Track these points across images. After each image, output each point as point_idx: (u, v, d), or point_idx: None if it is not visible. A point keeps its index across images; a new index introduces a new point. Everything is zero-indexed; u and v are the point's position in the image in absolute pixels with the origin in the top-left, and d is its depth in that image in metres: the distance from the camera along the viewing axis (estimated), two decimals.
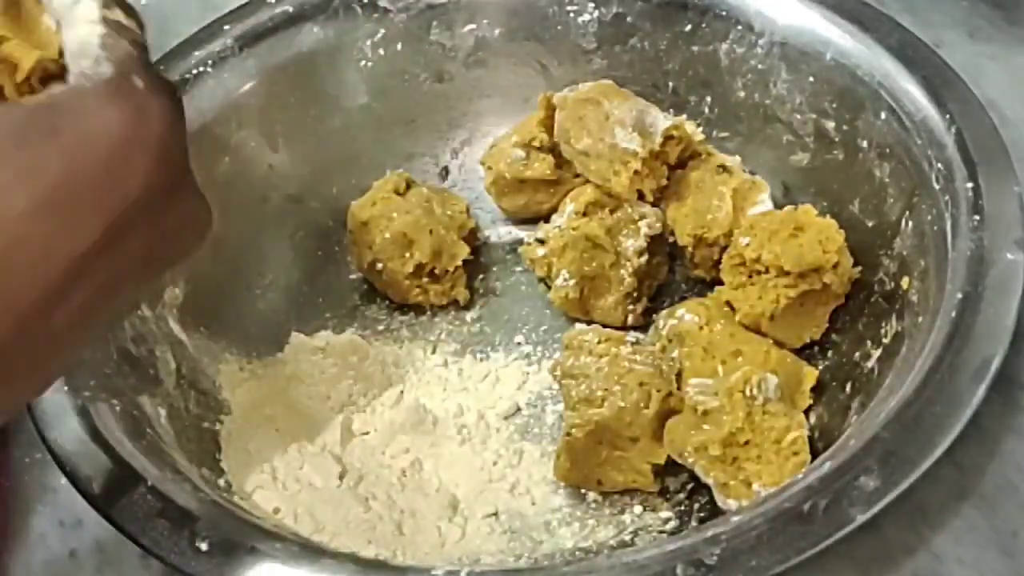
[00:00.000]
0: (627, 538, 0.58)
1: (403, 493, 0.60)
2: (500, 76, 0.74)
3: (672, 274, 0.69)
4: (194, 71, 0.68)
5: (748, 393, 0.57)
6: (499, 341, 0.68)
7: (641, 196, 0.66)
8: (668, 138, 0.66)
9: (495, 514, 0.59)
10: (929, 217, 0.59)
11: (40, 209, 0.40)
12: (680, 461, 0.58)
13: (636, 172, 0.65)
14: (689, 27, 0.71)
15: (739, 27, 0.69)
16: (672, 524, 0.58)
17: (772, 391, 0.57)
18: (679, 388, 0.59)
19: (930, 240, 0.58)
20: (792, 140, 0.68)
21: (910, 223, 0.60)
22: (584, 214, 0.67)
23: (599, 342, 0.60)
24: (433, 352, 0.67)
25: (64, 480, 0.53)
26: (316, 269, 0.71)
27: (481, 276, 0.71)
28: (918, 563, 0.51)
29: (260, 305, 0.68)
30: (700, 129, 0.69)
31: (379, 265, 0.68)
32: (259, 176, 0.70)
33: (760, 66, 0.69)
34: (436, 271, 0.68)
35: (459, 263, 0.68)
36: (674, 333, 0.62)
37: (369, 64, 0.73)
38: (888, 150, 0.62)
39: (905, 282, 0.59)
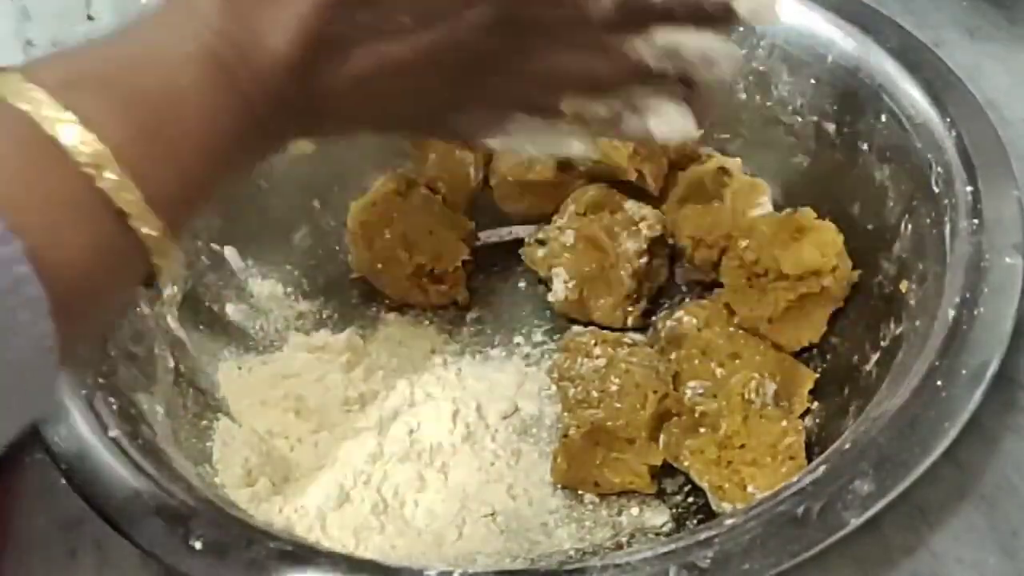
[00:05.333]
0: (624, 540, 0.58)
1: (399, 493, 0.60)
2: None
3: (672, 276, 0.69)
4: None
5: (746, 396, 0.57)
6: (498, 341, 0.68)
7: (642, 181, 0.66)
8: None
9: (492, 514, 0.59)
10: (928, 220, 0.59)
11: None
12: (676, 464, 0.58)
13: (636, 148, 0.65)
14: None
15: (740, 28, 0.69)
16: (669, 526, 0.58)
17: (770, 395, 0.58)
18: (676, 390, 0.59)
19: (929, 243, 0.58)
20: (793, 142, 0.68)
21: (909, 226, 0.60)
22: (585, 215, 0.67)
23: (596, 344, 0.61)
24: (432, 352, 0.67)
25: (64, 480, 0.53)
26: (316, 269, 0.71)
27: (481, 276, 0.71)
28: (918, 563, 0.51)
29: (259, 304, 0.69)
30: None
31: (379, 265, 0.68)
32: (260, 175, 0.70)
33: (761, 68, 0.69)
34: (436, 271, 0.68)
35: (459, 264, 0.68)
36: (672, 335, 0.62)
37: None
38: (888, 153, 0.62)
39: (904, 285, 0.59)
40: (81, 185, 0.37)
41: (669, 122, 0.46)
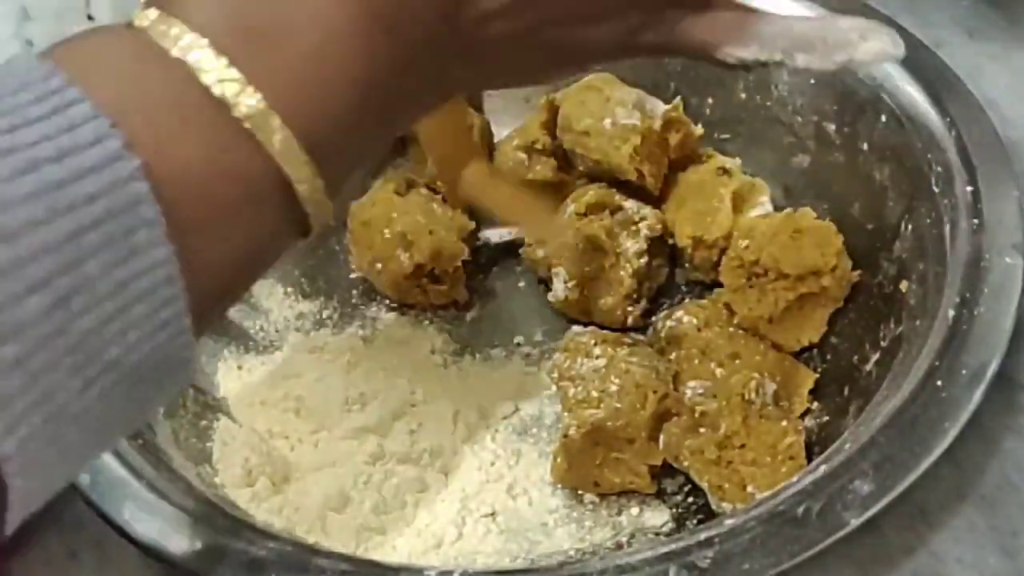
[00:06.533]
0: (624, 540, 0.58)
1: (400, 493, 0.60)
2: None
3: (672, 276, 0.69)
4: None
5: (746, 397, 0.57)
6: (498, 341, 0.68)
7: (642, 181, 0.66)
8: (668, 123, 0.66)
9: (492, 514, 0.59)
10: (928, 220, 0.59)
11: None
12: (675, 464, 0.58)
13: (636, 148, 0.65)
14: None
15: None
16: (669, 526, 0.58)
17: (770, 396, 0.58)
18: (676, 390, 0.59)
19: (929, 243, 0.58)
20: (793, 142, 0.68)
21: (909, 226, 0.60)
22: (584, 215, 0.67)
23: (596, 344, 0.60)
24: (432, 352, 0.67)
25: None
26: (316, 269, 0.71)
27: (481, 276, 0.71)
28: (918, 563, 0.51)
29: (259, 304, 0.69)
30: (700, 128, 0.69)
31: (379, 265, 0.68)
32: None
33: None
34: (436, 271, 0.68)
35: (459, 264, 0.68)
36: (672, 335, 0.62)
37: None
38: (888, 153, 0.62)
39: (904, 285, 0.59)
40: (194, 92, 0.35)
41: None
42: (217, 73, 0.35)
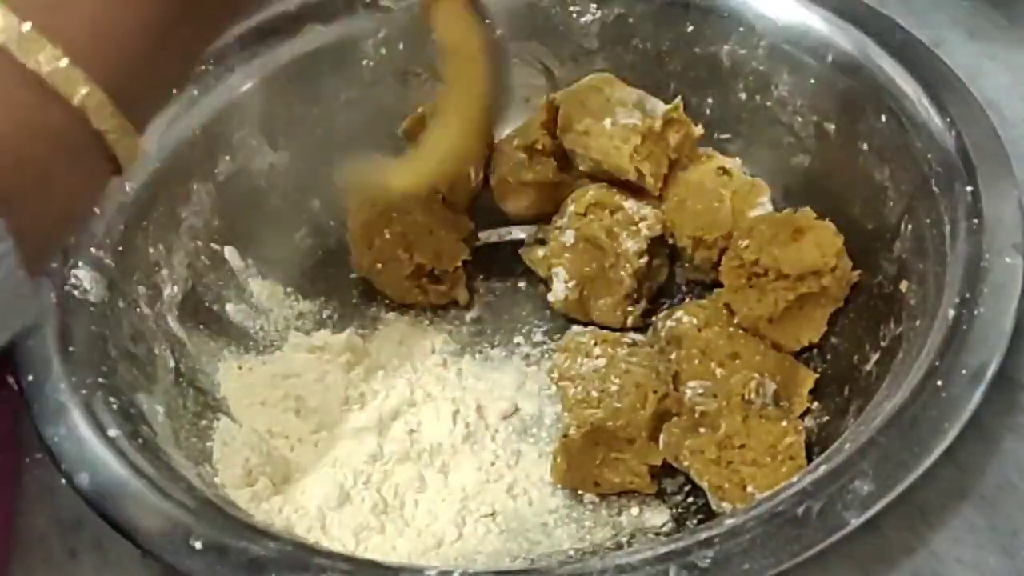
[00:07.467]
0: (624, 540, 0.58)
1: (399, 493, 0.60)
2: None
3: (672, 276, 0.69)
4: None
5: (746, 397, 0.57)
6: (498, 341, 0.68)
7: (642, 181, 0.66)
8: (668, 123, 0.66)
9: (492, 514, 0.59)
10: (928, 220, 0.59)
11: None
12: (675, 464, 0.58)
13: (636, 148, 0.65)
14: (691, 28, 0.71)
15: (741, 29, 0.69)
16: (669, 526, 0.58)
17: (770, 396, 0.58)
18: (676, 390, 0.60)
19: (929, 243, 0.58)
20: (793, 142, 0.68)
21: (909, 226, 0.60)
22: (585, 215, 0.67)
23: (596, 344, 0.61)
24: (432, 352, 0.67)
25: (64, 480, 0.53)
26: (316, 269, 0.71)
27: (481, 276, 0.71)
28: (918, 563, 0.51)
29: (259, 304, 0.69)
30: (700, 128, 0.68)
31: (379, 265, 0.68)
32: (260, 175, 0.70)
33: (761, 68, 0.69)
34: (436, 271, 0.68)
35: (459, 264, 0.68)
36: (672, 335, 0.62)
37: (371, 63, 0.73)
38: (888, 153, 0.62)
39: (904, 285, 0.59)
40: None
41: None
42: (14, 32, 0.34)
